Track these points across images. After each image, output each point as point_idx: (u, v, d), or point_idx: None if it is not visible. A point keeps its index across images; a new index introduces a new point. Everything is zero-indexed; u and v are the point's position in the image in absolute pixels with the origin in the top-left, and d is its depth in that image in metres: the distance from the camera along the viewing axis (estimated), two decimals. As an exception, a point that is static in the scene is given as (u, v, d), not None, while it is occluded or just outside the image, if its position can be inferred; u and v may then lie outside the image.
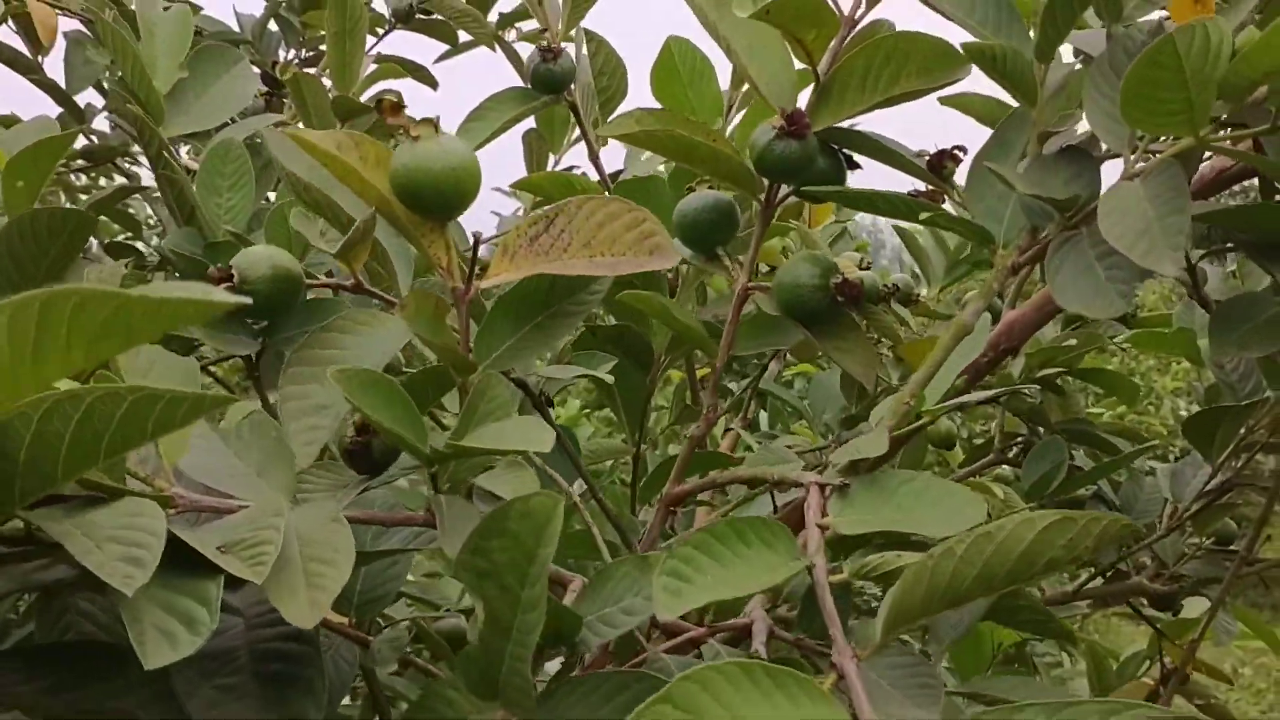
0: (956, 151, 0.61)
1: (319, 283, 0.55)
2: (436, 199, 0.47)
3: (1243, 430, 1.06)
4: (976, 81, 0.69)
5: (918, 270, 1.33)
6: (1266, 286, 0.84)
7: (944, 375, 0.60)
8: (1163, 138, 0.54)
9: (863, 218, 1.42)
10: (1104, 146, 0.56)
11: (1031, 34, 0.56)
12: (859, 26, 0.65)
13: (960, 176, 0.63)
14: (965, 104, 0.84)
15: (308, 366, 0.49)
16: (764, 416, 1.50)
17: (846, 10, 0.65)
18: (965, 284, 1.57)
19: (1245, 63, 0.48)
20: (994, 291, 0.58)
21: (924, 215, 0.59)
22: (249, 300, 0.49)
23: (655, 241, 0.50)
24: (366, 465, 0.66)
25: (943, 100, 0.84)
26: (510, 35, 1.22)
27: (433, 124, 0.47)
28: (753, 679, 0.33)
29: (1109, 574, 1.17)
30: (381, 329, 0.52)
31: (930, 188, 0.61)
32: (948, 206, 0.62)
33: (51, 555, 0.45)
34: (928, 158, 0.62)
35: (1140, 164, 0.54)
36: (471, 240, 0.53)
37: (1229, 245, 0.84)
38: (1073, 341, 1.17)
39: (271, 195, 1.10)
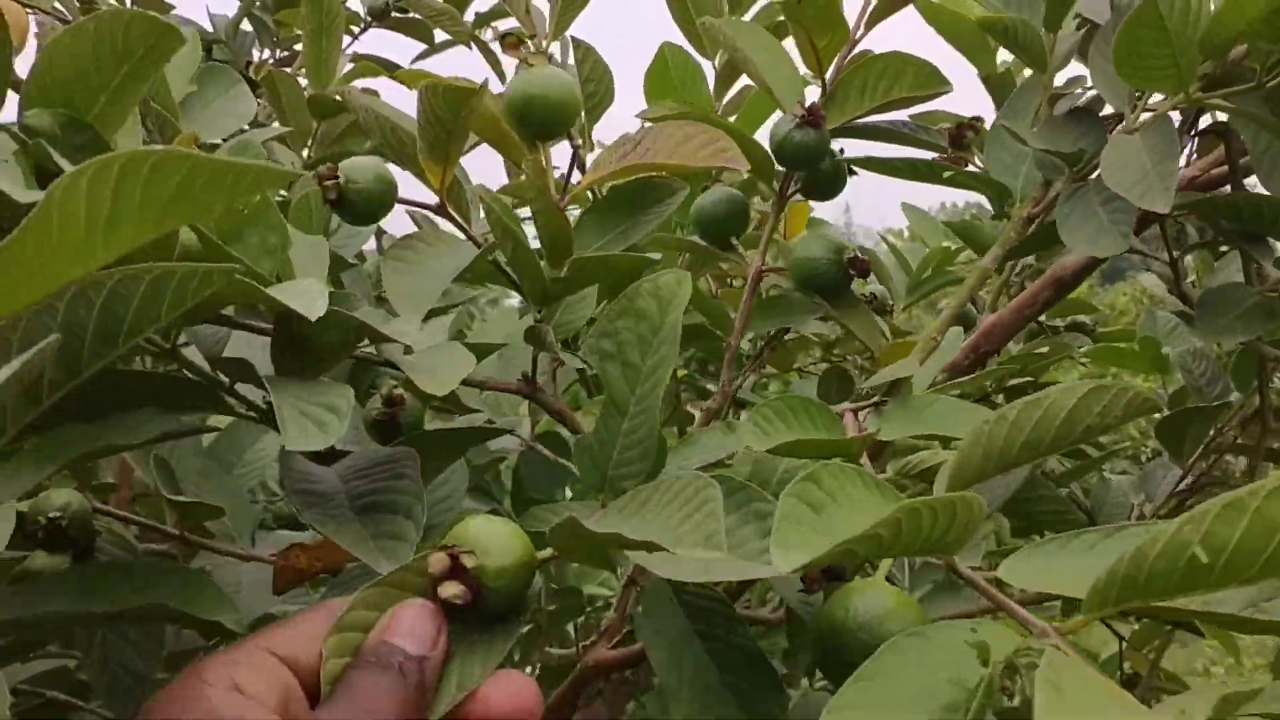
0: (974, 122, 0.75)
1: (408, 200, 0.65)
2: (545, 118, 0.58)
3: (1212, 432, 1.20)
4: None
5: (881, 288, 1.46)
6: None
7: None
8: (1158, 95, 0.67)
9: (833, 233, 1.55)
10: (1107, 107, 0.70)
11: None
12: (858, 45, 0.81)
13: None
14: (933, 119, 0.99)
15: (398, 262, 0.60)
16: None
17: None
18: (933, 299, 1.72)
19: (1219, 22, 0.61)
20: (1012, 241, 0.70)
21: (946, 175, 0.72)
22: (301, 171, 0.58)
23: (729, 155, 0.62)
24: (393, 436, 0.76)
25: (913, 117, 0.99)
26: (486, 34, 1.34)
27: (545, 55, 0.58)
28: (864, 480, 0.44)
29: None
30: (453, 248, 0.64)
31: (954, 154, 0.74)
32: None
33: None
34: (950, 130, 0.75)
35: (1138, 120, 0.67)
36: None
37: (1212, 239, 0.98)
38: (1044, 349, 1.30)
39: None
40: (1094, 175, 0.68)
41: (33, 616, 0.52)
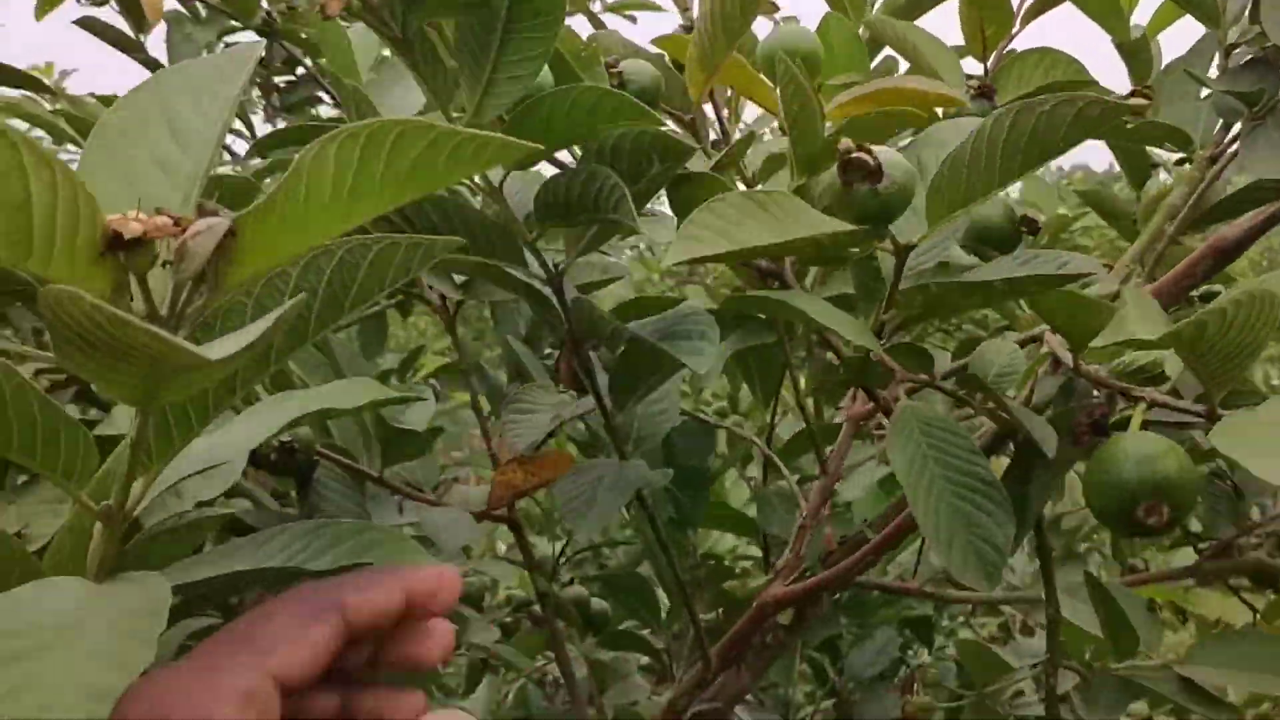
0: (1146, 90, 0.86)
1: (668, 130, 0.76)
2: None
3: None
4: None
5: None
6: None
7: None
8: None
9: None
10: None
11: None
12: (1014, 39, 0.95)
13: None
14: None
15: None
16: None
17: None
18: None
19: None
20: (1196, 180, 0.80)
21: (1130, 125, 0.82)
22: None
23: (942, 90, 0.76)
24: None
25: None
26: (595, 5, 1.46)
27: (794, 18, 0.72)
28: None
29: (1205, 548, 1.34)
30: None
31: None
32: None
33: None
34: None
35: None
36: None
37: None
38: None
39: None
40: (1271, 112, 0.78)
41: (255, 571, 0.53)
